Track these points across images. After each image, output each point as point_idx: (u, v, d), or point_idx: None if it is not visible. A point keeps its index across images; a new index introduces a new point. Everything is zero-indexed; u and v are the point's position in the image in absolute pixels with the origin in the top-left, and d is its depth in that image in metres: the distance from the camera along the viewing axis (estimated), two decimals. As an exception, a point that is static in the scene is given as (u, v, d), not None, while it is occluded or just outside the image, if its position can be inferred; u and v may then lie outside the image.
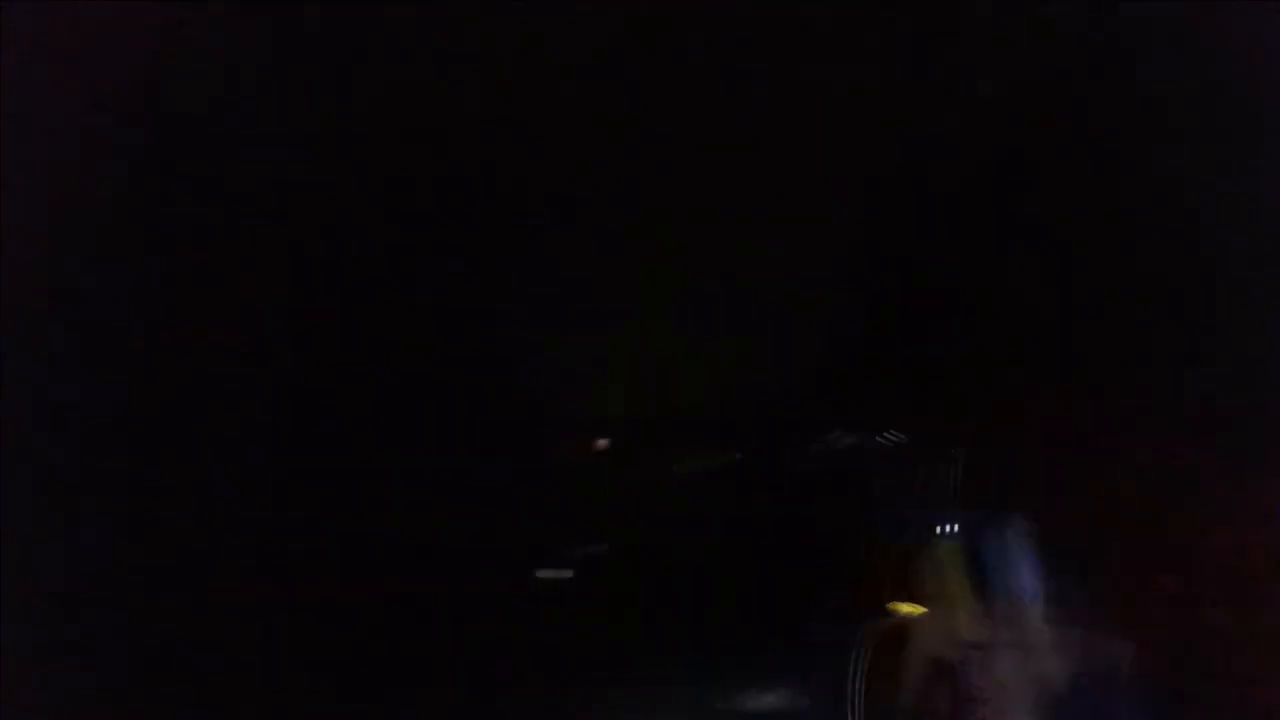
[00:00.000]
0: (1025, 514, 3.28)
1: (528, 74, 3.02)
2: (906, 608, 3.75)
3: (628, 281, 4.72)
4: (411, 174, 3.52)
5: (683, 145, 3.51)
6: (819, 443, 7.15)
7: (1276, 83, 2.54)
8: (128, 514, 2.88)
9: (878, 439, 5.98)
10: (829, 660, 4.53)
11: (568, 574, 7.35)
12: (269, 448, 3.65)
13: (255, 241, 3.30)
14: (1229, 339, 2.96)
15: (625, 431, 7.67)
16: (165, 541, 3.02)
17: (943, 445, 4.89)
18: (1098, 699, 2.84)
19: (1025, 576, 3.02)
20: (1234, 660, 2.89)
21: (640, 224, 4.07)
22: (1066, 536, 3.26)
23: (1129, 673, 2.86)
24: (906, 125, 3.41)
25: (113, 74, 2.49)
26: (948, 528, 3.98)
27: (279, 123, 2.99)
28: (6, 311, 2.29)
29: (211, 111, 2.76)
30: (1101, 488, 3.54)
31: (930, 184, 3.78)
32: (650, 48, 2.94)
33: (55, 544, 2.58)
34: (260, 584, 3.48)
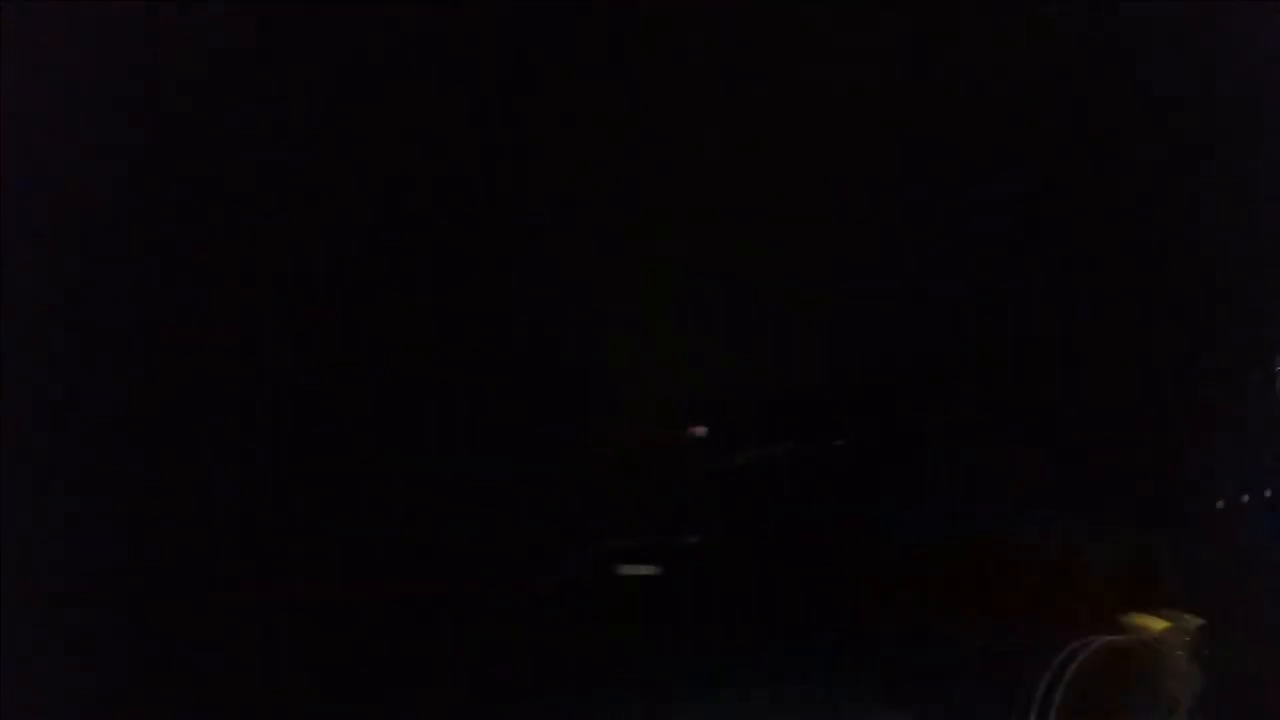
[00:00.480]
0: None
1: (529, 73, 3.02)
2: (1142, 621, 2.95)
3: (674, 272, 4.60)
4: (427, 168, 3.51)
5: (688, 142, 3.51)
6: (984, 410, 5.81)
7: (1277, 83, 2.55)
8: (128, 514, 2.88)
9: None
10: (1001, 691, 3.39)
11: (651, 570, 6.98)
12: (296, 446, 3.63)
13: (257, 241, 3.29)
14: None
15: (722, 417, 7.27)
16: (165, 541, 3.02)
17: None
18: None
19: None
20: None
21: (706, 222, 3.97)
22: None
23: None
24: (907, 125, 3.41)
25: (113, 74, 2.49)
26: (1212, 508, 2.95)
27: (280, 122, 2.99)
28: (6, 311, 2.29)
29: (212, 111, 2.76)
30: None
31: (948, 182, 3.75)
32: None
33: (55, 544, 2.58)
34: (265, 584, 3.47)
